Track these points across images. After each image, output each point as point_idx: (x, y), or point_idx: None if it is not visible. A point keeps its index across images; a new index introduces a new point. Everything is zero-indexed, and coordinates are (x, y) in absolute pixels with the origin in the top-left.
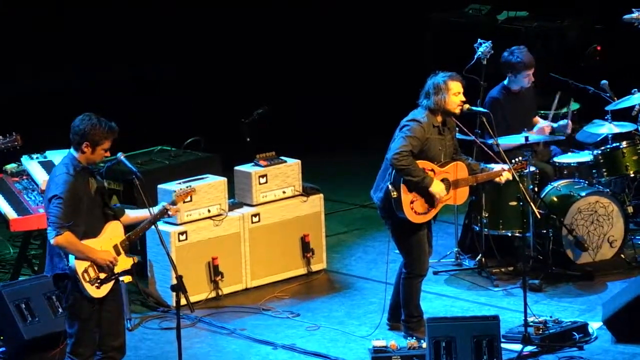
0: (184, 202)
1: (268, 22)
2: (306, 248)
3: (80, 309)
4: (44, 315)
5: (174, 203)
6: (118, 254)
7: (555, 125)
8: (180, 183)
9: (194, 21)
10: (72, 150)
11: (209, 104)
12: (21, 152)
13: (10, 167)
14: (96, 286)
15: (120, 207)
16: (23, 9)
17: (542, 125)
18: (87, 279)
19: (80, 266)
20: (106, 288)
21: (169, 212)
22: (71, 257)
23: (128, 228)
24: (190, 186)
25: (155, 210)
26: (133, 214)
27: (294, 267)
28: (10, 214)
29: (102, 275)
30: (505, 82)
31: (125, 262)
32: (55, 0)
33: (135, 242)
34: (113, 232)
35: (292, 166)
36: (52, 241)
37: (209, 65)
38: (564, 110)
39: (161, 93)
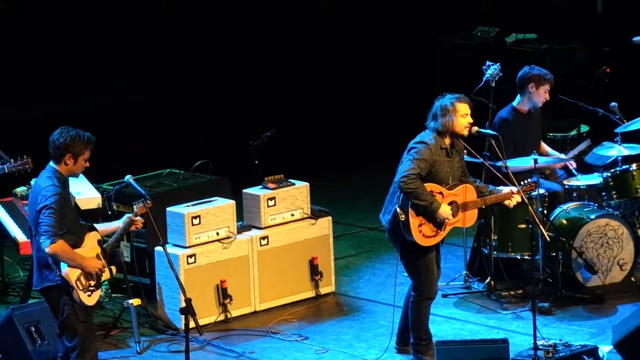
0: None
1: (278, 46)
2: (314, 271)
3: (77, 319)
4: (53, 339)
5: (136, 215)
6: None
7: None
8: (188, 206)
9: (201, 44)
10: (52, 163)
11: (218, 126)
12: (32, 176)
13: (20, 190)
14: (88, 294)
15: (90, 222)
16: (33, 32)
17: (558, 161)
18: (80, 287)
19: (73, 274)
20: (96, 296)
21: (136, 225)
22: (63, 266)
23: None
24: (147, 202)
25: (123, 224)
26: (102, 227)
27: (303, 290)
28: (20, 237)
29: (92, 283)
30: (515, 103)
31: (105, 272)
32: (65, 24)
33: (112, 252)
34: (93, 243)
35: (301, 189)
36: (47, 250)
37: (217, 87)
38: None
39: (170, 116)
